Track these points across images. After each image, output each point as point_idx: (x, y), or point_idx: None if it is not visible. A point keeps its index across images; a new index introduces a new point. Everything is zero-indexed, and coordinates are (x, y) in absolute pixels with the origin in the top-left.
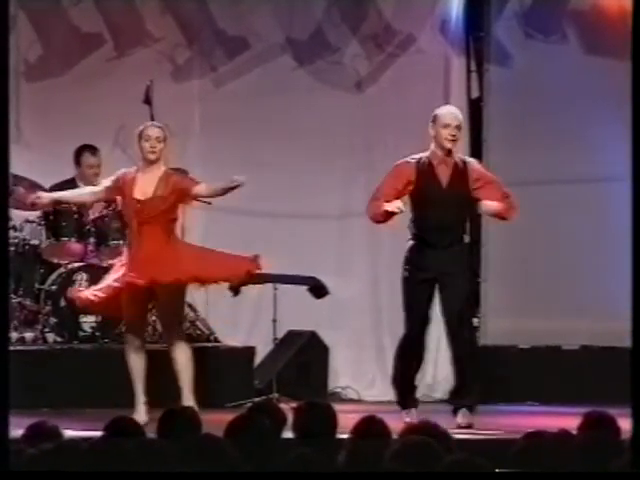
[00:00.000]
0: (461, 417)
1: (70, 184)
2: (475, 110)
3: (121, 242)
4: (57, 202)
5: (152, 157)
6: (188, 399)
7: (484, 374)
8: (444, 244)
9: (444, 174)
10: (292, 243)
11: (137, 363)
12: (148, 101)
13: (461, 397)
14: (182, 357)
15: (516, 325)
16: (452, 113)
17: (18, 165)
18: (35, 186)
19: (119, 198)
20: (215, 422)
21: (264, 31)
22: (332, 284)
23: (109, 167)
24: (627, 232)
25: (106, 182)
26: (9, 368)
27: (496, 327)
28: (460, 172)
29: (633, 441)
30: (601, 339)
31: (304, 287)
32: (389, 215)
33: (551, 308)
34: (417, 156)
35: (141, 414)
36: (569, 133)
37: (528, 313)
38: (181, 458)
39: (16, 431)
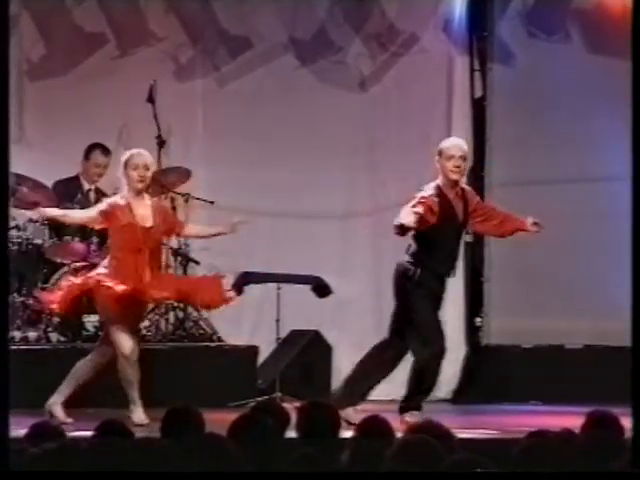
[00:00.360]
0: (409, 416)
1: (74, 181)
2: (478, 109)
3: None
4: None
5: (140, 186)
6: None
7: (487, 374)
8: (453, 274)
9: (459, 208)
10: (295, 242)
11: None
12: (151, 100)
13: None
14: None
15: (519, 324)
16: (456, 145)
17: (21, 164)
18: (38, 185)
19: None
20: (218, 422)
21: (267, 30)
22: (335, 283)
23: (113, 166)
24: (629, 231)
25: (101, 206)
26: (10, 368)
27: (499, 326)
28: (465, 204)
29: (633, 441)
30: (604, 338)
31: (307, 286)
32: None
33: (554, 307)
34: (432, 188)
35: (140, 415)
36: (572, 132)
37: (531, 312)
38: (184, 457)
39: (19, 430)
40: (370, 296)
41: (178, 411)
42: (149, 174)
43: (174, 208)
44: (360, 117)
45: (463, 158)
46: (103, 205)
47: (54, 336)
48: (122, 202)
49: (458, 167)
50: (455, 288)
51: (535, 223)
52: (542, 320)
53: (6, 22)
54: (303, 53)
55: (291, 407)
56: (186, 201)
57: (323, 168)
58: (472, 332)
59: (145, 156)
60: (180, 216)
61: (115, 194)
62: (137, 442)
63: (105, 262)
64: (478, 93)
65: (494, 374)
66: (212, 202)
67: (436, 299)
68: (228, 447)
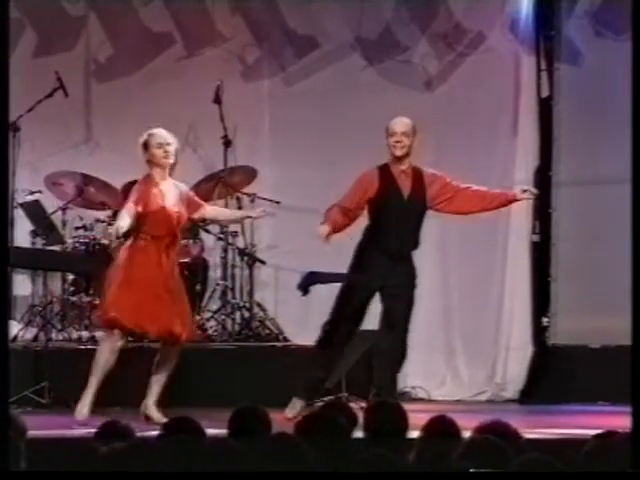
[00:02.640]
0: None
1: None
2: (545, 109)
3: (190, 241)
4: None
5: (167, 162)
6: (151, 405)
7: (554, 374)
8: (403, 254)
9: (405, 186)
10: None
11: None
12: (218, 100)
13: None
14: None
15: (586, 324)
16: (398, 122)
17: (89, 164)
18: (106, 186)
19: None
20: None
21: (333, 30)
22: None
23: (179, 166)
24: None
25: (134, 198)
26: (79, 368)
27: (566, 326)
28: (418, 183)
29: (633, 441)
30: None
31: None
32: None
33: (622, 307)
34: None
35: (154, 412)
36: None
37: (598, 312)
38: (252, 457)
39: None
40: (437, 296)
41: (245, 411)
42: (172, 149)
43: (240, 208)
44: (427, 117)
45: (406, 134)
46: (134, 195)
47: None
48: (151, 184)
49: (399, 142)
50: (521, 287)
51: (525, 190)
52: (610, 320)
53: (6, 22)
54: (369, 53)
55: (357, 407)
56: (252, 201)
57: None
58: (539, 332)
59: (163, 132)
60: None
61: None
62: (206, 442)
63: (125, 250)
64: (545, 93)
65: (561, 374)
66: (278, 202)
67: (377, 281)
68: (300, 447)
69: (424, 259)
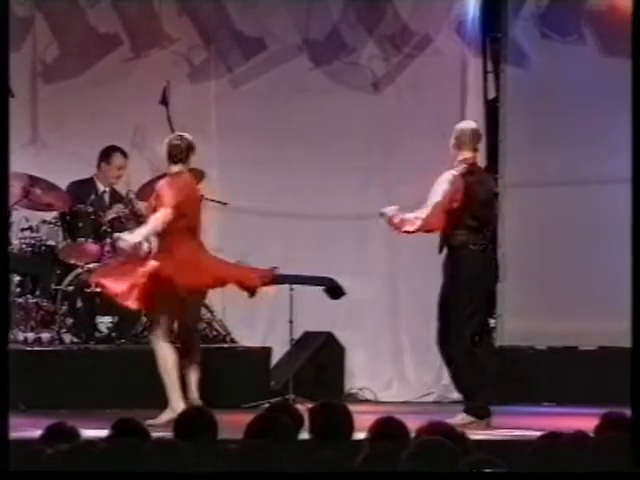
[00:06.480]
0: None
1: (88, 183)
2: (491, 111)
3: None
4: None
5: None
6: (197, 399)
7: (500, 375)
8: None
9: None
10: (309, 244)
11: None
12: (165, 102)
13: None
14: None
15: (533, 326)
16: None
17: (35, 165)
18: (51, 186)
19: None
20: (231, 423)
21: (281, 32)
22: (349, 285)
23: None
24: None
25: (172, 200)
26: (23, 369)
27: (512, 328)
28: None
29: (633, 441)
30: (618, 340)
31: (320, 288)
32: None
33: (568, 309)
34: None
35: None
36: (586, 134)
37: (545, 314)
38: (198, 458)
39: (34, 431)
40: (384, 297)
41: (192, 412)
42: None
43: None
44: (374, 118)
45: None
46: (171, 197)
47: (67, 337)
48: (187, 177)
49: None
50: None
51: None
52: (556, 321)
53: (6, 22)
54: (316, 54)
55: (304, 408)
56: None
57: (337, 169)
58: (486, 333)
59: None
60: None
61: (130, 194)
62: (151, 443)
63: (158, 248)
64: (491, 94)
65: (507, 375)
66: (225, 203)
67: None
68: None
69: (372, 260)
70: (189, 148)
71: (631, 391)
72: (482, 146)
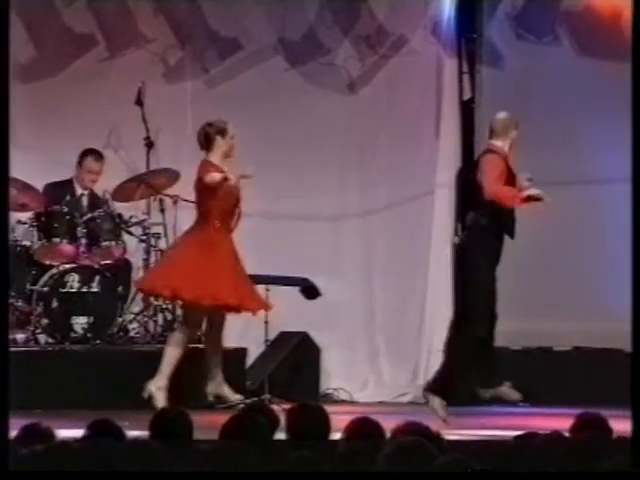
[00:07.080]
0: None
1: (66, 185)
2: (467, 111)
3: (112, 243)
4: None
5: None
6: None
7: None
8: None
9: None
10: (285, 244)
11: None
12: (140, 102)
13: None
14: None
15: (507, 326)
16: None
17: (10, 166)
18: (27, 187)
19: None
20: (207, 423)
21: (256, 32)
22: (325, 285)
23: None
24: (622, 233)
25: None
26: (8, 368)
27: None
28: None
29: (633, 441)
30: (593, 340)
31: (296, 288)
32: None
33: (543, 309)
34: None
35: (230, 392)
36: (562, 135)
37: (519, 314)
38: (174, 459)
39: (9, 432)
40: (360, 298)
41: (167, 413)
42: None
43: (162, 210)
44: (349, 119)
45: None
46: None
47: (42, 338)
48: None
49: None
50: (444, 290)
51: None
52: (531, 322)
53: (6, 22)
54: (292, 55)
55: (279, 409)
56: (175, 203)
57: (312, 169)
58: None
59: None
60: (169, 218)
61: (106, 195)
62: (126, 444)
63: (194, 235)
64: (467, 95)
65: None
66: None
67: None
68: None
69: (348, 261)
70: None
71: (631, 391)
72: (457, 147)
